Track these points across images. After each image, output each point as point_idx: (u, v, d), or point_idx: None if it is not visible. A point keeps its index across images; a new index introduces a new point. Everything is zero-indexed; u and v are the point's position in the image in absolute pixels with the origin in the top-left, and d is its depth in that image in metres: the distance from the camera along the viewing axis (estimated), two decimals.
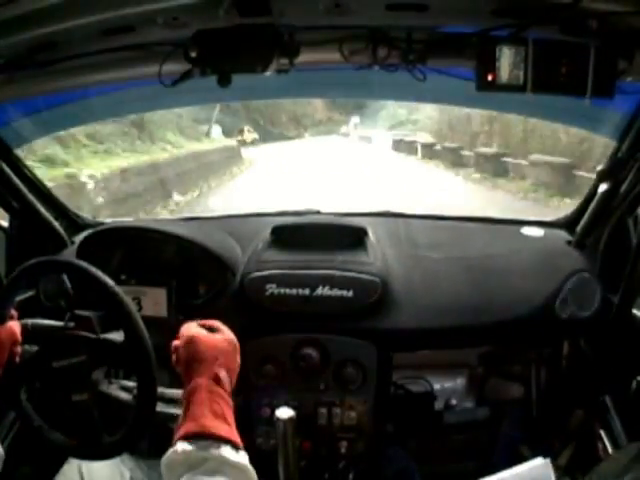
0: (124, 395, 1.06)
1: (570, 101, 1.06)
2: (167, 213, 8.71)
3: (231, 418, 0.82)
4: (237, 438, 0.80)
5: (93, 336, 1.03)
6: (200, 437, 0.77)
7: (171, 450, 0.77)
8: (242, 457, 0.78)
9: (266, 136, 20.92)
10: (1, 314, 0.95)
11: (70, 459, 1.19)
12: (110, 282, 0.95)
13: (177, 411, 0.97)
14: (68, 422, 1.02)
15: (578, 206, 1.67)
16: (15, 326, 1.00)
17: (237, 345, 0.94)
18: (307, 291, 1.42)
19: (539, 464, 1.19)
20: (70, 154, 8.59)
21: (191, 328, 0.93)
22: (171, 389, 1.04)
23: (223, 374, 0.86)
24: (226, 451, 0.76)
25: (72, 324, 1.19)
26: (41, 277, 1.48)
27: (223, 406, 0.82)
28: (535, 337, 1.59)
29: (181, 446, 0.76)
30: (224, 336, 0.94)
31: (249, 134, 19.67)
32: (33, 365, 1.05)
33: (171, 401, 1.01)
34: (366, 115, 25.10)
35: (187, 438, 0.77)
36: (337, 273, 1.43)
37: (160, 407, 1.00)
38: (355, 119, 24.98)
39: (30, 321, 1.15)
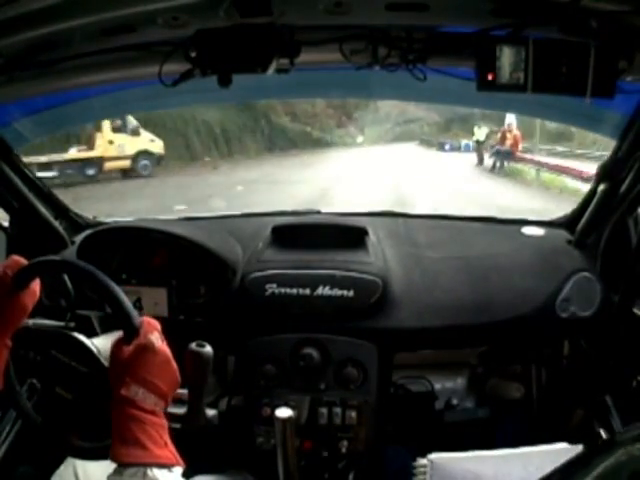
0: None
1: (570, 101, 1.06)
2: None
3: (150, 439, 0.77)
4: (163, 458, 0.76)
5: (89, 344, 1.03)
6: (123, 466, 0.76)
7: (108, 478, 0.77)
8: (174, 475, 0.76)
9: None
10: (24, 278, 0.94)
11: (67, 460, 1.19)
12: (110, 282, 0.95)
13: (177, 410, 0.98)
14: (68, 422, 1.02)
15: (578, 206, 1.67)
16: (37, 286, 0.97)
17: (151, 345, 0.82)
18: (307, 291, 1.42)
19: (568, 447, 1.21)
20: None
21: (112, 347, 0.85)
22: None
23: (133, 390, 0.78)
24: (153, 474, 0.74)
25: (72, 324, 1.19)
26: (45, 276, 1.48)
27: (135, 430, 0.76)
28: (536, 337, 1.59)
29: (112, 478, 0.76)
30: (136, 344, 0.82)
31: None
32: (33, 365, 1.05)
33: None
34: None
35: (114, 469, 0.76)
36: (338, 273, 1.43)
37: None
38: None
39: (30, 321, 1.15)
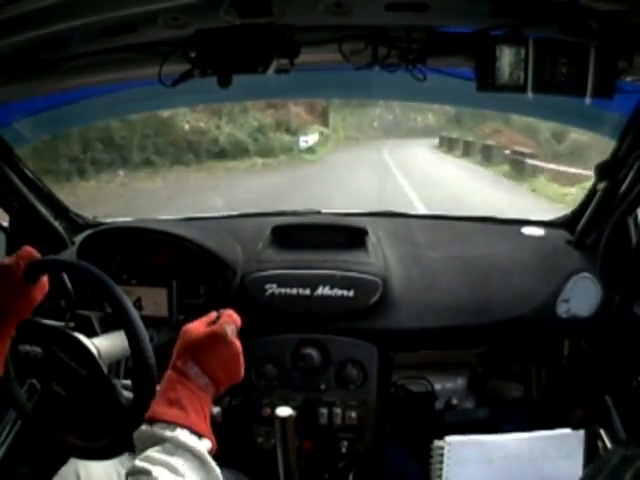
0: (125, 395, 1.06)
1: (570, 101, 1.06)
2: None
3: (192, 406, 0.79)
4: (197, 425, 0.78)
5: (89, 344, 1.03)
6: (155, 421, 0.78)
7: (138, 430, 0.79)
8: (202, 444, 0.78)
9: None
10: (35, 272, 0.95)
11: (69, 461, 1.19)
12: (110, 282, 0.95)
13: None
14: (68, 422, 1.02)
15: (578, 206, 1.67)
16: (45, 280, 0.99)
17: (224, 335, 0.85)
18: (308, 291, 1.42)
19: (571, 433, 1.32)
20: None
21: (193, 323, 0.88)
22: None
23: (189, 366, 0.81)
24: (183, 435, 0.76)
25: (72, 324, 1.19)
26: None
27: (180, 393, 0.79)
28: (535, 337, 1.59)
29: (143, 427, 0.78)
30: (210, 329, 0.86)
31: None
32: (34, 365, 1.05)
33: None
34: None
35: (146, 422, 0.79)
36: (338, 273, 1.43)
37: None
38: None
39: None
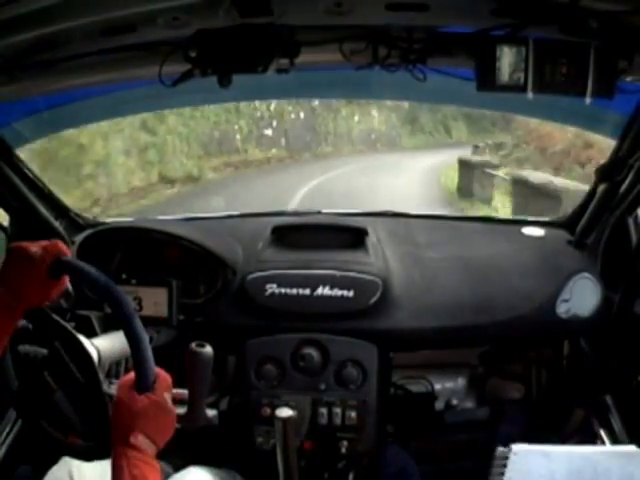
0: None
1: (570, 101, 1.06)
2: None
3: (154, 476, 0.83)
4: None
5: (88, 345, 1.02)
6: None
7: None
8: None
9: None
10: (60, 269, 0.93)
11: (61, 460, 1.18)
12: (110, 282, 0.95)
13: (177, 410, 0.98)
14: (67, 422, 1.02)
15: (578, 206, 1.67)
16: (67, 279, 0.99)
17: (163, 404, 0.88)
18: (307, 291, 1.42)
19: (636, 451, 1.25)
20: None
21: (120, 389, 0.89)
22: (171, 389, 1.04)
23: (140, 439, 0.84)
24: None
25: (72, 324, 1.19)
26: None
27: (143, 470, 0.82)
28: (536, 337, 1.59)
29: None
30: (150, 397, 0.87)
31: None
32: (33, 365, 1.05)
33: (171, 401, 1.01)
34: None
35: None
36: (338, 273, 1.43)
37: None
38: None
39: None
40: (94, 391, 0.96)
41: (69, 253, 0.96)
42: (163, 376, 0.91)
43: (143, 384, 0.87)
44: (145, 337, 0.90)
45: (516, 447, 1.28)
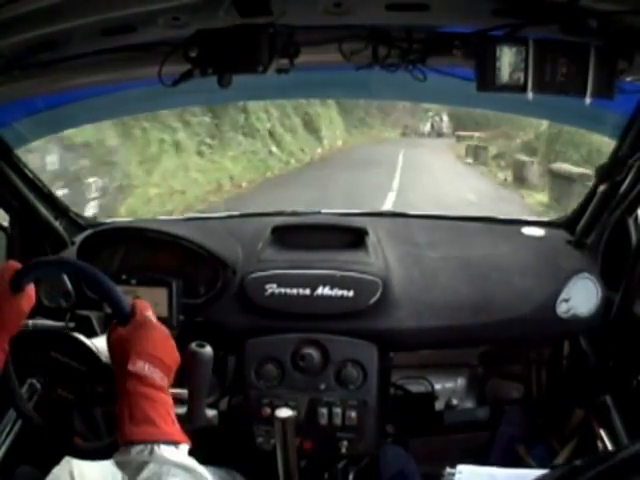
0: None
1: (570, 101, 1.06)
2: None
3: (158, 416, 0.78)
4: (170, 434, 0.77)
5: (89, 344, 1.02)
6: (128, 444, 0.77)
7: (115, 457, 0.79)
8: (181, 452, 0.77)
9: None
10: (19, 282, 0.94)
11: (63, 460, 1.18)
12: (109, 282, 0.95)
13: (177, 410, 0.98)
14: (68, 422, 1.02)
15: (578, 206, 1.67)
16: (32, 290, 0.97)
17: (148, 322, 0.85)
18: (308, 291, 1.42)
19: None
20: None
21: (109, 337, 0.86)
22: (171, 389, 1.04)
23: (139, 365, 0.79)
24: (161, 452, 0.76)
25: (72, 324, 1.19)
26: (41, 277, 1.49)
27: (144, 406, 0.78)
28: (535, 337, 1.59)
29: (120, 454, 0.78)
30: (133, 321, 0.84)
31: None
32: (34, 366, 1.05)
33: None
34: None
35: (121, 447, 0.78)
36: (338, 273, 1.43)
37: None
38: None
39: (30, 321, 1.15)
40: (103, 374, 0.96)
41: (19, 266, 0.95)
42: (138, 300, 0.89)
43: (122, 314, 0.85)
44: (106, 279, 0.89)
45: (461, 467, 1.30)
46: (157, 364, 0.82)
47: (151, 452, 0.75)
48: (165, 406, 0.80)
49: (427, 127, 27.06)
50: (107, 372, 0.96)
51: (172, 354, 0.86)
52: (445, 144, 21.86)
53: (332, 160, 15.79)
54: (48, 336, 1.03)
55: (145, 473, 0.74)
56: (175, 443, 0.77)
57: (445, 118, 26.26)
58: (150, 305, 0.89)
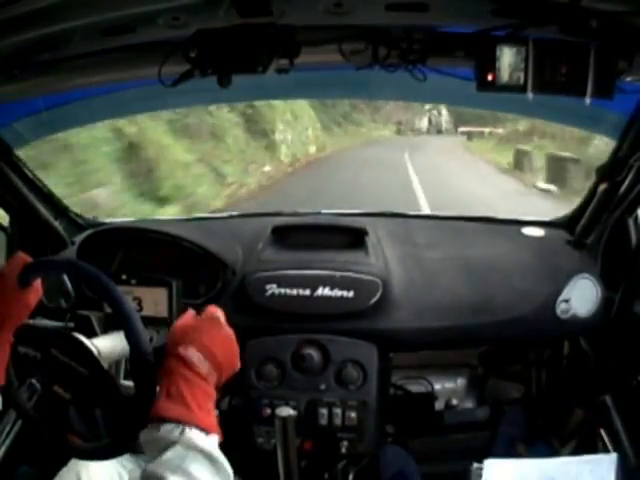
0: (127, 387, 1.06)
1: (570, 101, 1.06)
2: None
3: (195, 400, 0.78)
4: (203, 421, 0.77)
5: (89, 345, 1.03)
6: (160, 420, 0.76)
7: (143, 432, 0.78)
8: (210, 441, 0.77)
9: None
10: (29, 275, 0.95)
11: (70, 462, 1.19)
12: (110, 282, 0.95)
13: None
14: (68, 422, 1.02)
15: (578, 206, 1.67)
16: (39, 285, 0.99)
17: (219, 319, 0.89)
18: (308, 291, 1.42)
19: (604, 457, 1.31)
20: None
21: (179, 320, 0.89)
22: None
23: (190, 352, 0.80)
24: (191, 435, 0.75)
25: (72, 324, 1.19)
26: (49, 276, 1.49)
27: (183, 387, 0.78)
28: (535, 337, 1.59)
29: (149, 430, 0.77)
30: (203, 314, 0.89)
31: None
32: (33, 364, 1.05)
33: None
34: None
35: (151, 422, 0.77)
36: (338, 273, 1.43)
37: None
38: None
39: (30, 321, 1.14)
40: (102, 380, 0.96)
41: (29, 259, 0.97)
42: (212, 306, 0.93)
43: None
44: (110, 281, 0.91)
45: (488, 461, 1.34)
46: (209, 357, 0.81)
47: (182, 433, 0.75)
48: (205, 396, 0.79)
49: (424, 123, 25.39)
50: (106, 377, 0.96)
51: (230, 356, 0.86)
52: (455, 143, 18.89)
53: (285, 189, 8.84)
54: (50, 334, 1.02)
55: (169, 454, 0.73)
56: (206, 431, 0.77)
57: (444, 112, 24.57)
58: (220, 311, 0.93)
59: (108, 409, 0.99)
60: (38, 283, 0.98)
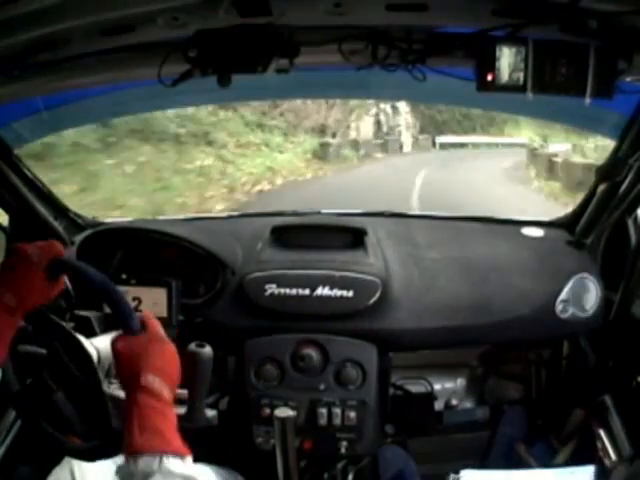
0: (124, 395, 1.06)
1: (570, 101, 1.06)
2: None
3: (167, 428, 0.79)
4: (177, 447, 0.78)
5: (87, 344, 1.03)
6: (136, 455, 0.77)
7: (120, 468, 0.79)
8: (187, 464, 0.78)
9: None
10: (56, 271, 0.94)
11: (63, 461, 1.19)
12: (107, 281, 0.95)
13: (177, 410, 0.98)
14: (67, 422, 1.02)
15: (578, 206, 1.67)
16: (64, 279, 0.99)
17: (161, 337, 0.88)
18: (307, 291, 1.42)
19: (584, 469, 1.34)
20: None
21: (116, 343, 0.88)
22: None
23: (150, 378, 0.81)
24: (169, 464, 0.76)
25: (72, 324, 1.19)
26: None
27: (154, 418, 0.79)
28: (535, 337, 1.59)
29: (126, 464, 0.78)
30: (146, 335, 0.87)
31: None
32: (33, 365, 1.05)
33: None
34: None
35: (127, 458, 0.78)
36: (337, 273, 1.43)
37: None
38: None
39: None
40: (94, 390, 0.96)
41: (64, 253, 0.96)
42: (146, 314, 0.91)
43: (133, 325, 0.87)
44: (121, 294, 0.90)
45: (464, 472, 1.37)
46: (166, 379, 0.83)
47: (160, 463, 0.76)
48: (172, 419, 0.81)
49: (367, 130, 13.36)
50: (97, 388, 0.96)
51: (178, 369, 0.88)
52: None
53: None
54: (57, 328, 1.02)
55: None
56: (182, 456, 0.78)
57: (405, 109, 13.63)
58: (156, 319, 0.92)
59: (91, 415, 1.00)
60: (63, 279, 0.97)
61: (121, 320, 0.89)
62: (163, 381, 0.82)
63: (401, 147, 13.98)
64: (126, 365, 0.85)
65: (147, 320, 0.90)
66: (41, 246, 0.94)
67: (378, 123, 13.86)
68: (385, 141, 14.23)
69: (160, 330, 0.90)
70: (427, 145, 15.19)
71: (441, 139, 14.77)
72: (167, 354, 0.87)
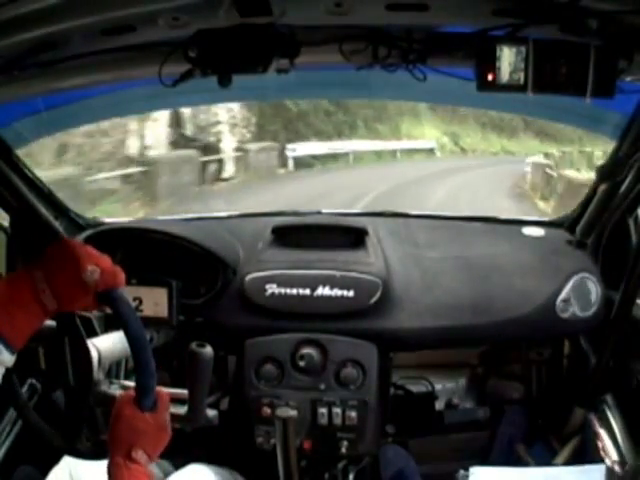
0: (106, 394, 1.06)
1: (570, 101, 1.06)
2: None
3: None
4: None
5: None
6: None
7: None
8: None
9: None
10: (108, 299, 0.91)
11: (62, 460, 1.19)
12: (141, 331, 0.94)
13: (177, 411, 0.98)
14: (68, 422, 1.02)
15: (578, 206, 1.67)
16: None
17: (164, 424, 0.92)
18: (307, 291, 1.42)
19: (594, 467, 1.34)
20: None
21: (123, 405, 0.90)
22: (171, 389, 1.04)
23: (140, 454, 0.87)
24: None
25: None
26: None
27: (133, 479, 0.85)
28: (535, 337, 1.59)
29: None
30: (154, 417, 0.90)
31: None
32: (33, 365, 1.05)
33: (171, 400, 1.01)
34: None
35: None
36: (338, 273, 1.43)
37: None
38: None
39: None
40: (83, 394, 0.97)
41: (124, 283, 0.91)
42: (163, 395, 0.93)
43: (146, 403, 0.89)
44: (152, 362, 0.91)
45: (474, 468, 1.36)
46: (152, 456, 0.90)
47: None
48: (149, 476, 0.89)
49: (160, 133, 7.33)
50: (86, 389, 0.96)
51: (162, 449, 0.94)
52: None
53: None
54: (70, 324, 1.02)
55: None
56: None
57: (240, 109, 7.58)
58: (168, 399, 0.94)
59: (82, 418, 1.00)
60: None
61: (139, 390, 0.90)
62: (149, 456, 0.89)
63: (219, 172, 7.84)
64: (124, 433, 0.89)
65: (161, 402, 0.92)
66: (109, 271, 0.89)
67: (177, 120, 7.48)
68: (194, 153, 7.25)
69: (167, 416, 0.92)
70: (269, 163, 8.55)
71: (296, 150, 9.21)
72: (163, 441, 0.92)
